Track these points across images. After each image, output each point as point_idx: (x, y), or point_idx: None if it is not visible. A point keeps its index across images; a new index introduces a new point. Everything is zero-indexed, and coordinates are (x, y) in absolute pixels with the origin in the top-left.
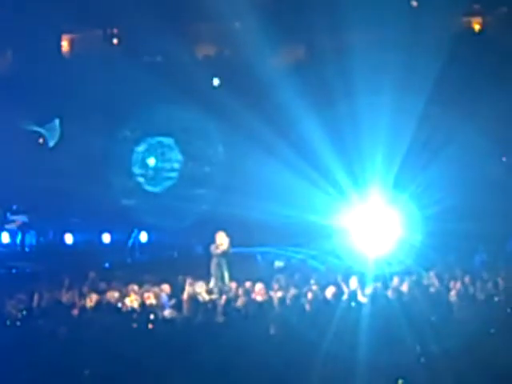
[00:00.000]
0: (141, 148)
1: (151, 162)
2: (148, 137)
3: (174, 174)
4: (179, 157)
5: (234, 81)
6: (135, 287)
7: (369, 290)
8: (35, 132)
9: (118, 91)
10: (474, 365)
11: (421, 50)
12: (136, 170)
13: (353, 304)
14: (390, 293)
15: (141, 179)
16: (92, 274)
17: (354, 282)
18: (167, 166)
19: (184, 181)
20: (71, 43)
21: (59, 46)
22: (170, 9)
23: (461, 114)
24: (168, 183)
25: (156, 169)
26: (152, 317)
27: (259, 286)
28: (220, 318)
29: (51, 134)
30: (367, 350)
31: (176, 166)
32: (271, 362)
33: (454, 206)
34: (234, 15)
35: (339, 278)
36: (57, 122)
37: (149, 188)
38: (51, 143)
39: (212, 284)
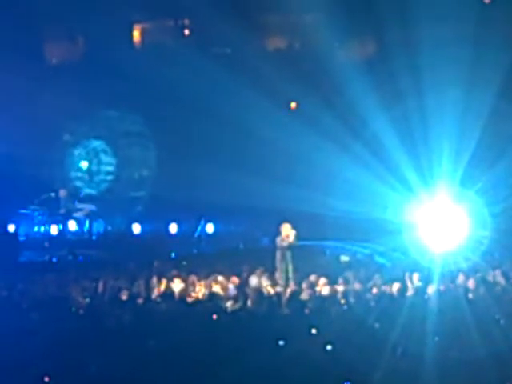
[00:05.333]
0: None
1: None
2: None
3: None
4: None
5: (304, 74)
6: (201, 278)
7: (434, 287)
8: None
9: (187, 82)
10: None
11: (490, 45)
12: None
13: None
14: (455, 289)
15: None
16: (157, 263)
17: (416, 279)
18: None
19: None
20: (142, 33)
21: (130, 36)
22: (241, 0)
23: None
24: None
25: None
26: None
27: (323, 280)
28: (284, 311)
29: None
30: (433, 346)
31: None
32: (335, 355)
33: None
34: (305, 8)
35: (406, 275)
36: None
37: None
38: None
39: (277, 277)
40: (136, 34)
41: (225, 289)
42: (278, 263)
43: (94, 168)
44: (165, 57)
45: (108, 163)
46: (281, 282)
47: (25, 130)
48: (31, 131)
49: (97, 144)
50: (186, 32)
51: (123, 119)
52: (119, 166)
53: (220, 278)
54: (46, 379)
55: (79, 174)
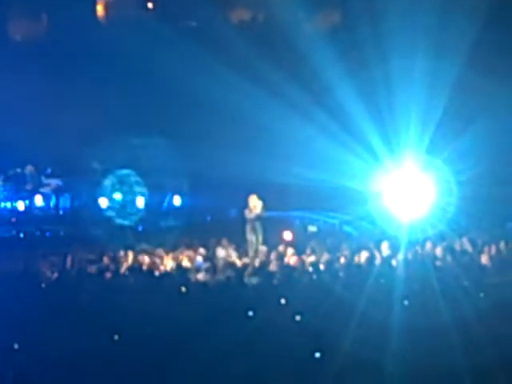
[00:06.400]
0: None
1: None
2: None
3: None
4: None
5: (269, 46)
6: (169, 250)
7: (401, 255)
8: None
9: (152, 56)
10: (508, 328)
11: (457, 13)
12: None
13: (380, 274)
14: (422, 257)
15: None
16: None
17: (385, 248)
18: None
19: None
20: (106, 7)
21: (94, 10)
22: None
23: (497, 79)
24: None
25: None
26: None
27: (291, 251)
28: (253, 281)
29: None
30: (401, 314)
31: None
32: (305, 324)
33: (488, 171)
34: None
35: (371, 244)
36: None
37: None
38: None
39: (246, 248)
40: (99, 8)
41: (192, 261)
42: (247, 235)
43: None
44: (129, 31)
45: None
46: (250, 253)
47: None
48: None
49: None
50: (150, 5)
51: (87, 93)
52: None
53: (187, 251)
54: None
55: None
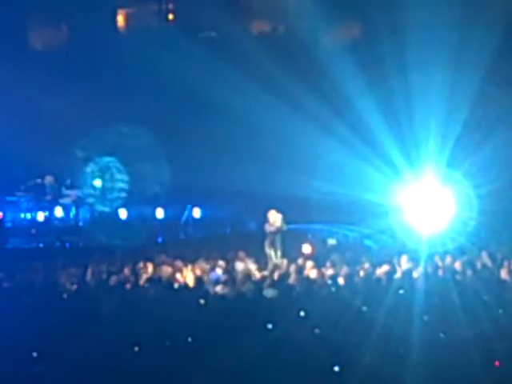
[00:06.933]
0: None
1: None
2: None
3: None
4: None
5: (289, 57)
6: (188, 263)
7: (421, 269)
8: None
9: (172, 67)
10: None
11: (476, 25)
12: None
13: (400, 287)
14: (442, 271)
15: None
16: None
17: (405, 261)
18: None
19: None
20: (126, 18)
21: (115, 21)
22: None
23: None
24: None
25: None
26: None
27: (310, 264)
28: (272, 294)
29: None
30: (420, 328)
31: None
32: (324, 338)
33: (509, 184)
34: None
35: (391, 257)
36: None
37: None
38: None
39: (267, 261)
40: (120, 19)
41: (211, 273)
42: (266, 249)
43: None
44: (149, 41)
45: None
46: (269, 266)
47: (10, 119)
48: (16, 119)
49: None
50: (171, 16)
51: (109, 104)
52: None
53: (206, 263)
54: (35, 366)
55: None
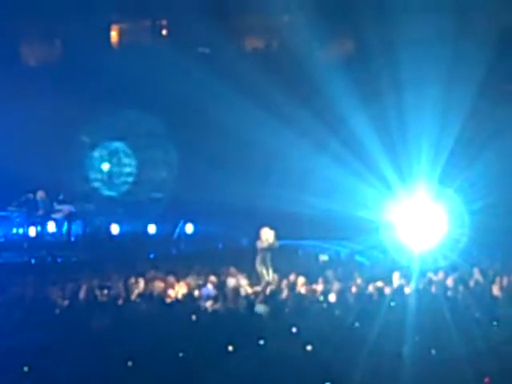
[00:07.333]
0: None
1: None
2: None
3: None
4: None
5: (282, 74)
6: (180, 278)
7: (413, 285)
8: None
9: (165, 83)
10: None
11: (469, 44)
12: None
13: (392, 304)
14: (434, 288)
15: None
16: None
17: (396, 278)
18: None
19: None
20: (120, 34)
21: (108, 37)
22: (218, 0)
23: (510, 109)
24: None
25: None
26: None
27: (302, 280)
28: (263, 310)
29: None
30: (412, 345)
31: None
32: (316, 353)
33: (500, 201)
34: (283, 8)
35: (383, 274)
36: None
37: None
38: None
39: (257, 277)
40: (114, 35)
41: (202, 289)
42: (257, 266)
43: None
44: (143, 57)
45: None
46: (262, 283)
47: (1, 133)
48: (9, 133)
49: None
50: (164, 32)
51: (102, 119)
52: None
53: (197, 278)
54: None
55: None
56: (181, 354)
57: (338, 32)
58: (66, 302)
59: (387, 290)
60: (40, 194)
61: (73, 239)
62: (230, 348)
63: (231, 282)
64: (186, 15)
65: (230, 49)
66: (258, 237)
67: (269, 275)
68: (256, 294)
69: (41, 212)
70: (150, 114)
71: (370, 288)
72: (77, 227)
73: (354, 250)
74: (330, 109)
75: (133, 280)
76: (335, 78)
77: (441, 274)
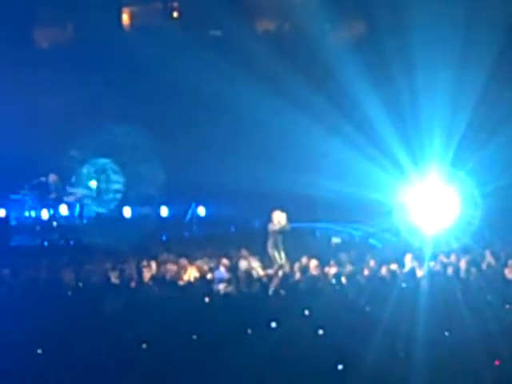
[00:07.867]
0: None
1: None
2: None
3: None
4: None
5: (294, 55)
6: (192, 261)
7: (426, 268)
8: None
9: (176, 65)
10: None
11: (481, 27)
12: None
13: (403, 285)
14: (446, 270)
15: None
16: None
17: (408, 260)
18: None
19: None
20: (131, 16)
21: (119, 20)
22: None
23: None
24: None
25: None
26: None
27: (315, 263)
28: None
29: None
30: (425, 328)
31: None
32: (329, 336)
33: None
34: None
35: (396, 256)
36: None
37: None
38: None
39: (269, 260)
40: (125, 18)
41: (215, 271)
42: (269, 249)
43: None
44: (154, 40)
45: None
46: (275, 267)
47: (14, 117)
48: (20, 117)
49: None
50: (175, 14)
51: (114, 102)
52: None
53: (210, 261)
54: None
55: None
56: (194, 337)
57: (351, 14)
58: (79, 285)
59: (400, 273)
60: (52, 178)
61: (85, 222)
62: (243, 330)
63: (243, 264)
64: None
65: (242, 31)
66: (269, 219)
67: (281, 258)
68: (269, 276)
69: (53, 195)
70: (163, 96)
71: (383, 270)
72: (89, 210)
73: (367, 232)
74: (342, 91)
75: (145, 263)
76: (347, 61)
77: (453, 257)
